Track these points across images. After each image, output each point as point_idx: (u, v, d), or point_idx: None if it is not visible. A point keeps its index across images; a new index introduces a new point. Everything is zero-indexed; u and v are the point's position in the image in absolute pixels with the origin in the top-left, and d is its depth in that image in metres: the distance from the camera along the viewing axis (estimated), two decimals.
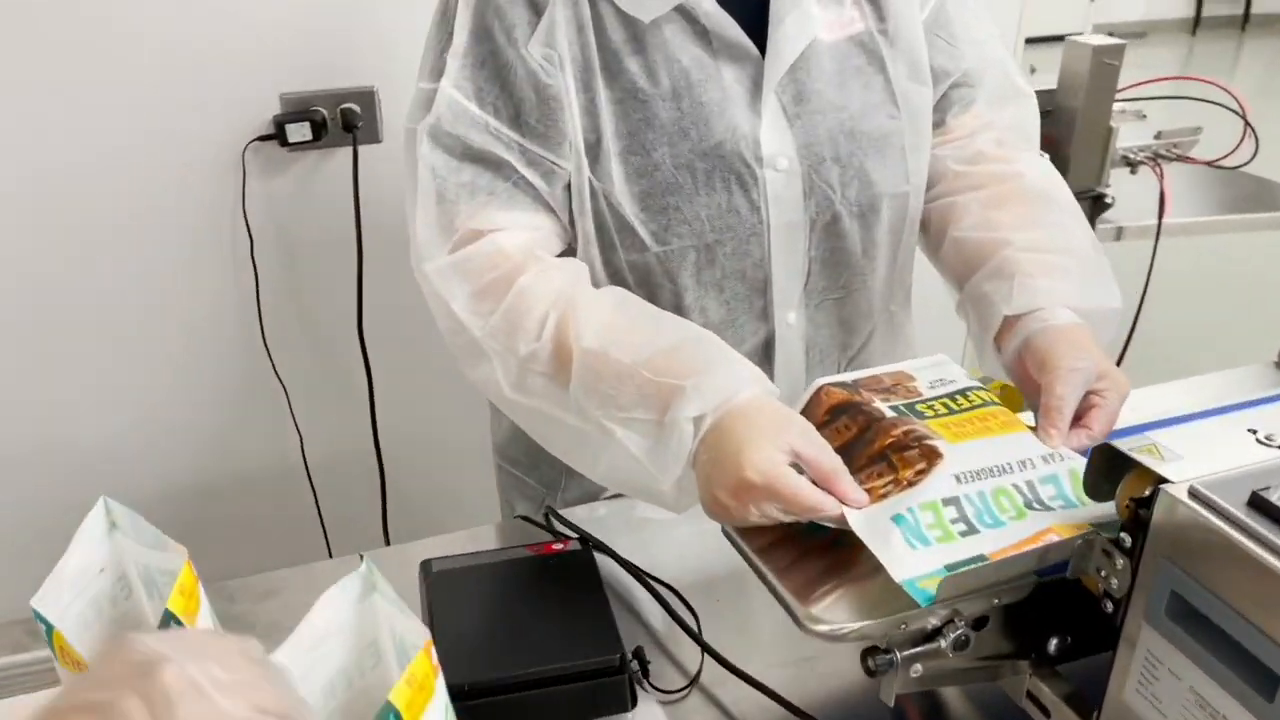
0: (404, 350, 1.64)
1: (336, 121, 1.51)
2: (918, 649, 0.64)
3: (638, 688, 0.80)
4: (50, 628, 0.52)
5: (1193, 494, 0.56)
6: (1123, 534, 0.60)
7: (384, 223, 1.56)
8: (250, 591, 0.93)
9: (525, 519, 1.03)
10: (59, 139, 1.41)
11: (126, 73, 1.40)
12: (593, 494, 1.07)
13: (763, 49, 0.91)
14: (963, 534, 0.67)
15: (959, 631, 0.64)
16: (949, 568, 0.64)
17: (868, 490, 0.71)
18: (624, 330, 0.83)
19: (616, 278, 0.95)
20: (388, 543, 1.65)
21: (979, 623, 0.66)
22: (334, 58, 1.49)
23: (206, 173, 1.48)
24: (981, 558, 0.65)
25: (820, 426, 0.77)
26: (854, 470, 0.73)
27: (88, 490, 1.76)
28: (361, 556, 0.58)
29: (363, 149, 1.53)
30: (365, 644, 0.56)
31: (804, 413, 0.79)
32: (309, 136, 1.48)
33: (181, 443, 1.63)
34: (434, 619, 0.82)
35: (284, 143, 1.48)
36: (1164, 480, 0.58)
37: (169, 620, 0.53)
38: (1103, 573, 0.62)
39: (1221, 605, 0.54)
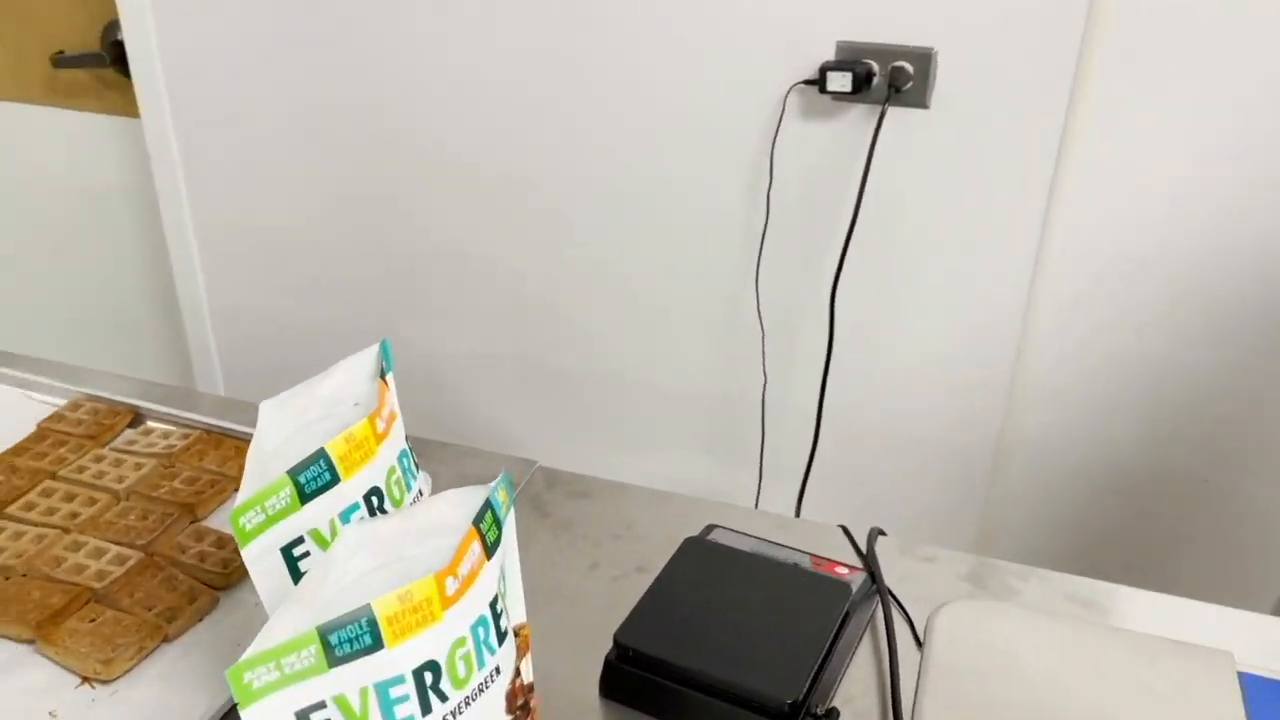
0: (868, 323, 1.57)
1: (885, 78, 1.46)
2: None
3: None
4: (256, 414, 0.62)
5: None
6: None
7: (892, 190, 1.49)
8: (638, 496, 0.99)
9: (843, 529, 0.94)
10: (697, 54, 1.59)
11: (720, 9, 1.51)
12: None
13: None
14: None
15: None
16: None
17: None
18: None
19: None
20: (798, 515, 1.63)
21: None
22: (898, 11, 1.43)
23: (751, 106, 1.54)
24: None
25: None
26: None
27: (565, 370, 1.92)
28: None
29: (905, 112, 1.46)
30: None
31: None
32: (847, 88, 1.45)
33: (667, 341, 1.76)
34: (659, 579, 0.80)
35: (823, 89, 1.47)
36: None
37: (319, 458, 0.59)
38: None
39: None
